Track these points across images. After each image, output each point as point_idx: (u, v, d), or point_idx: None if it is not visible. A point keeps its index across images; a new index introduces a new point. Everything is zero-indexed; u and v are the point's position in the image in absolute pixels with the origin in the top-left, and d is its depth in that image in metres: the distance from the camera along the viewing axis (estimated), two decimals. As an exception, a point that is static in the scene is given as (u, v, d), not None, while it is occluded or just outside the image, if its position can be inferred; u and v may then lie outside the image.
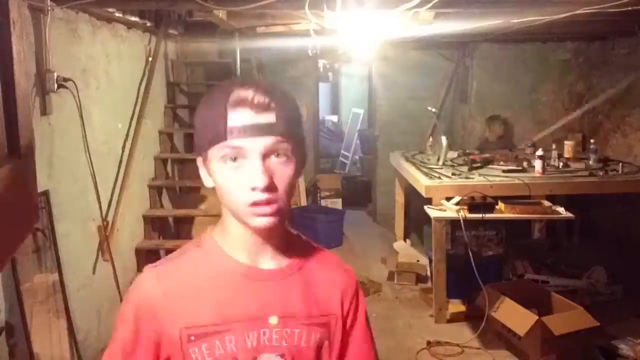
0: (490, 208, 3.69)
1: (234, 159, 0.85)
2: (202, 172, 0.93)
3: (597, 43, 5.34)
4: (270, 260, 0.95)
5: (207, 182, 0.92)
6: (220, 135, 0.84)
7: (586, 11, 3.02)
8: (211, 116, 0.86)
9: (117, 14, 3.52)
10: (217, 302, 0.90)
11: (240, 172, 0.85)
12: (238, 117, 0.84)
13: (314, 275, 0.98)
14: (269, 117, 0.85)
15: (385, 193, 6.06)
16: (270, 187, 0.84)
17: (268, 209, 0.85)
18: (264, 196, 0.84)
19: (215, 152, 0.86)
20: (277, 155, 0.86)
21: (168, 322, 0.89)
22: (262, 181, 0.83)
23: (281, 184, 0.86)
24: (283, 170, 0.87)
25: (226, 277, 0.92)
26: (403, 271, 4.69)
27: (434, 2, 2.66)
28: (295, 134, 0.88)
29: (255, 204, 0.85)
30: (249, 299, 0.91)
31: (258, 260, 0.94)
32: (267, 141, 0.84)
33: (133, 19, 3.80)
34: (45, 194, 2.77)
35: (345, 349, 0.99)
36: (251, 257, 0.94)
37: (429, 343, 3.60)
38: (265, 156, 0.85)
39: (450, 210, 3.75)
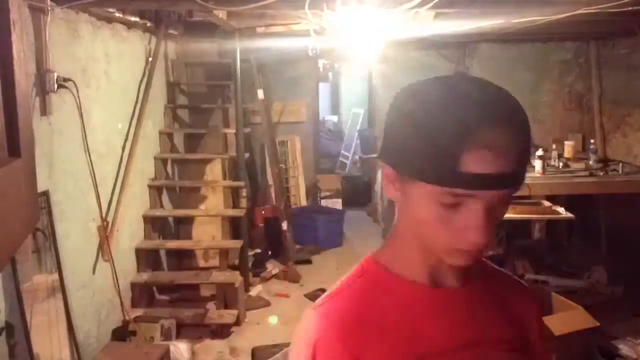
0: (490, 208, 3.68)
1: (453, 205, 0.69)
2: (388, 187, 0.76)
3: (597, 43, 5.34)
4: (454, 279, 0.80)
5: (393, 195, 0.76)
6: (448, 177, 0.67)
7: (586, 11, 3.02)
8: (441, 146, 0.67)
9: (117, 14, 3.52)
10: (405, 335, 0.76)
11: (458, 217, 0.70)
12: (475, 163, 0.66)
13: (502, 293, 0.86)
14: (507, 166, 0.67)
15: (385, 193, 6.05)
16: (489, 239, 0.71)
17: (476, 254, 0.74)
18: (479, 248, 0.71)
19: (432, 191, 0.69)
20: (501, 202, 0.71)
21: None
22: (483, 238, 0.69)
23: (494, 226, 0.72)
24: (501, 213, 0.72)
25: (408, 303, 0.78)
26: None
27: (434, 2, 2.66)
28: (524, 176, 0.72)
29: (466, 252, 0.72)
30: (438, 325, 0.77)
31: (441, 281, 0.80)
32: (500, 193, 0.69)
33: (133, 19, 3.80)
34: (45, 194, 2.77)
35: None
36: (433, 277, 0.79)
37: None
38: (491, 206, 0.69)
39: (450, 210, 3.75)
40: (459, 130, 0.66)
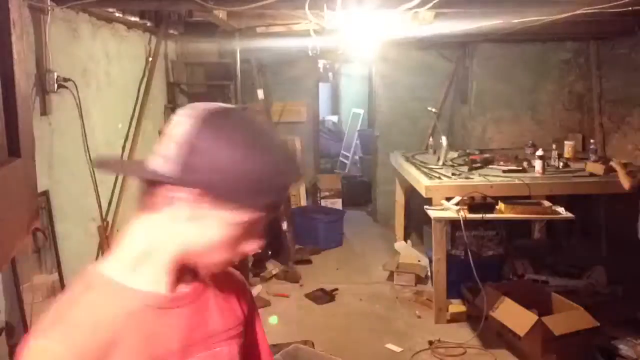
0: (491, 208, 3.69)
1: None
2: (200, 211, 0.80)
3: (597, 43, 5.34)
4: (185, 285, 0.89)
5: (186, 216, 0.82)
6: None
7: (586, 11, 3.02)
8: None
9: (117, 14, 3.52)
10: (137, 344, 0.80)
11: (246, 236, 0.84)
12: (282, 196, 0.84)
13: (220, 286, 0.95)
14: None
15: (385, 193, 6.06)
16: None
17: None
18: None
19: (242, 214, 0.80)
20: None
21: None
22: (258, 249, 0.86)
23: None
24: None
25: (144, 312, 0.82)
26: (403, 272, 4.69)
27: (434, 2, 2.66)
28: None
29: (228, 264, 0.87)
30: (168, 331, 0.84)
31: (175, 288, 0.87)
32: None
33: (133, 19, 3.80)
34: (45, 194, 2.77)
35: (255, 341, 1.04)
36: (169, 286, 0.86)
37: (431, 343, 3.60)
38: None
39: (450, 210, 3.75)
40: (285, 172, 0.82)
